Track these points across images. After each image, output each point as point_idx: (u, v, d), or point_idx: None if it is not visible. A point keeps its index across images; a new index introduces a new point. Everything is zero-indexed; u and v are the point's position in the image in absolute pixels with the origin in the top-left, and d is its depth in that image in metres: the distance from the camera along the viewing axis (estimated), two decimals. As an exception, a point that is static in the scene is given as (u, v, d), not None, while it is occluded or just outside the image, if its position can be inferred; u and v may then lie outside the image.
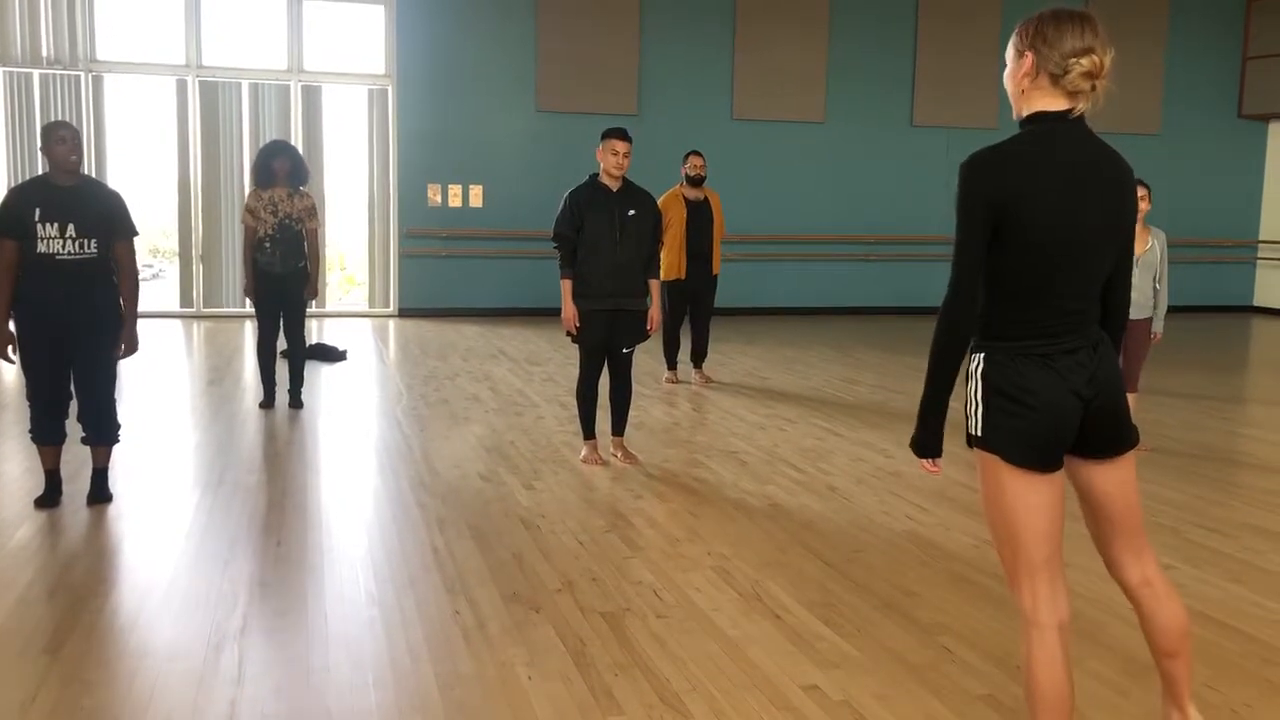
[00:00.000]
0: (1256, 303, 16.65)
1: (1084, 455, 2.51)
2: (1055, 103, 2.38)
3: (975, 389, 2.45)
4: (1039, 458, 2.39)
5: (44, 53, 12.63)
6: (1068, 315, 2.39)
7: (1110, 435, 2.49)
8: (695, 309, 8.86)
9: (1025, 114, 2.43)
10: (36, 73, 12.63)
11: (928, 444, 2.54)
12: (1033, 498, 2.40)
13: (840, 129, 14.78)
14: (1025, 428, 2.38)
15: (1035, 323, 2.39)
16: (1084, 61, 2.32)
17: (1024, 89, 2.42)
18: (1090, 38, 2.34)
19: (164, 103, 13.15)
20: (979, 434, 2.44)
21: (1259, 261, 16.65)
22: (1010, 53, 2.46)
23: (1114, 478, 2.53)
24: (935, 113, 15.07)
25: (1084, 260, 2.38)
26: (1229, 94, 16.16)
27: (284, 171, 7.40)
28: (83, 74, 12.74)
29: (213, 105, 13.18)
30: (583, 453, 6.11)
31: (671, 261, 8.47)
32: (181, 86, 13.10)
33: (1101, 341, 2.47)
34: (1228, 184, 16.32)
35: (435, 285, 13.70)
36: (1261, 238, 16.57)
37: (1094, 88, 2.36)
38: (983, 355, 2.44)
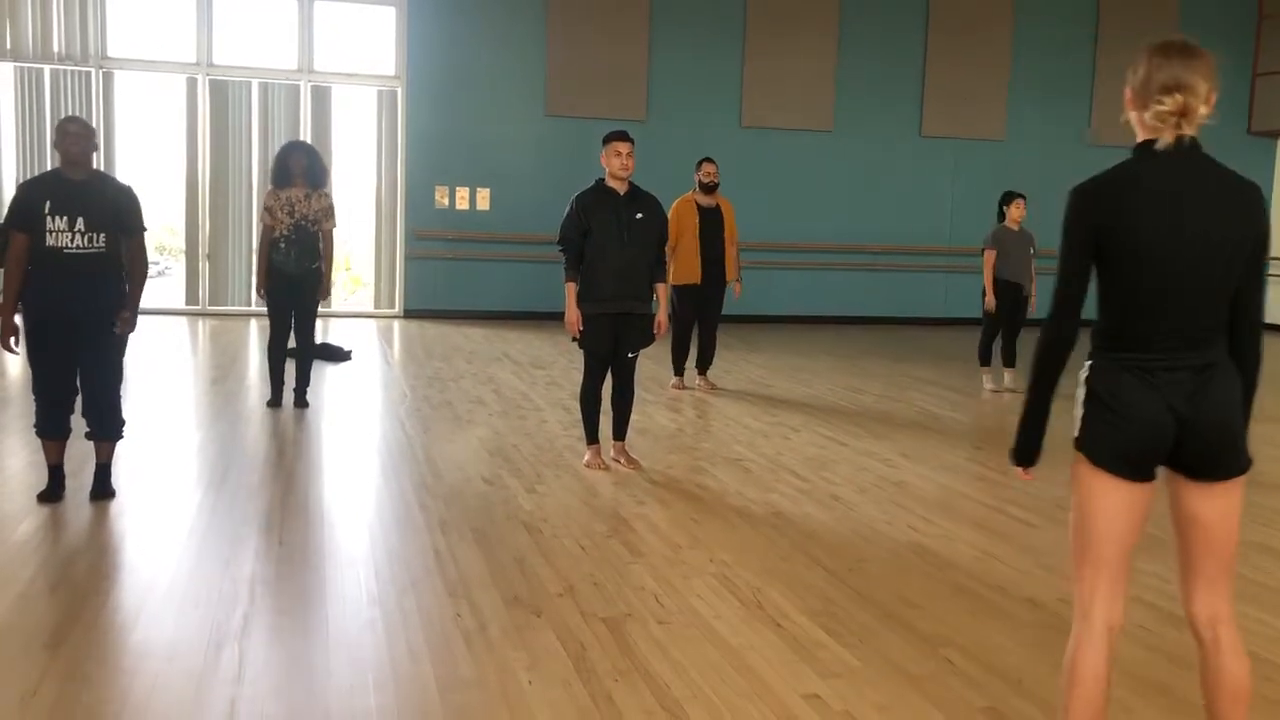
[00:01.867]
0: (1267, 320, 16.60)
1: (1184, 474, 2.53)
2: (1150, 132, 2.46)
3: (1080, 394, 2.54)
4: (1124, 465, 2.46)
5: (55, 49, 12.68)
6: (1171, 333, 2.44)
7: (1209, 458, 2.49)
8: (704, 315, 8.84)
9: (1138, 139, 2.50)
10: (48, 68, 12.67)
11: (1024, 452, 2.64)
12: (1111, 502, 2.49)
13: (848, 138, 14.79)
14: (1114, 435, 2.46)
15: (1137, 338, 2.46)
16: (1167, 101, 2.39)
17: (1126, 118, 2.53)
18: (1186, 73, 2.39)
19: (174, 100, 13.19)
20: (1075, 435, 2.54)
21: (1270, 278, 16.58)
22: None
23: (1211, 506, 2.53)
24: (943, 124, 15.07)
25: (1185, 281, 2.42)
26: (1238, 110, 16.13)
27: (300, 169, 7.42)
28: (93, 70, 12.78)
29: (222, 104, 13.21)
30: (586, 457, 6.11)
31: (687, 267, 8.46)
32: (191, 84, 13.13)
33: (1217, 364, 2.47)
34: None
35: (441, 287, 13.71)
36: (1273, 255, 16.52)
37: (1179, 126, 2.40)
38: (1090, 363, 2.53)
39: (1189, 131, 2.41)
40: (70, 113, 12.62)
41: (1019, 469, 2.68)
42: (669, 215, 7.17)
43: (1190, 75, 2.39)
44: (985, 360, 9.35)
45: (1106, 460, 2.47)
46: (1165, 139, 2.41)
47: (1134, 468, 2.46)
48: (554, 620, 3.81)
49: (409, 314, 13.71)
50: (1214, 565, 2.55)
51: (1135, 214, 2.41)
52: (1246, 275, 2.49)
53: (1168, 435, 2.44)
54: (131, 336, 5.15)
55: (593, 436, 6.12)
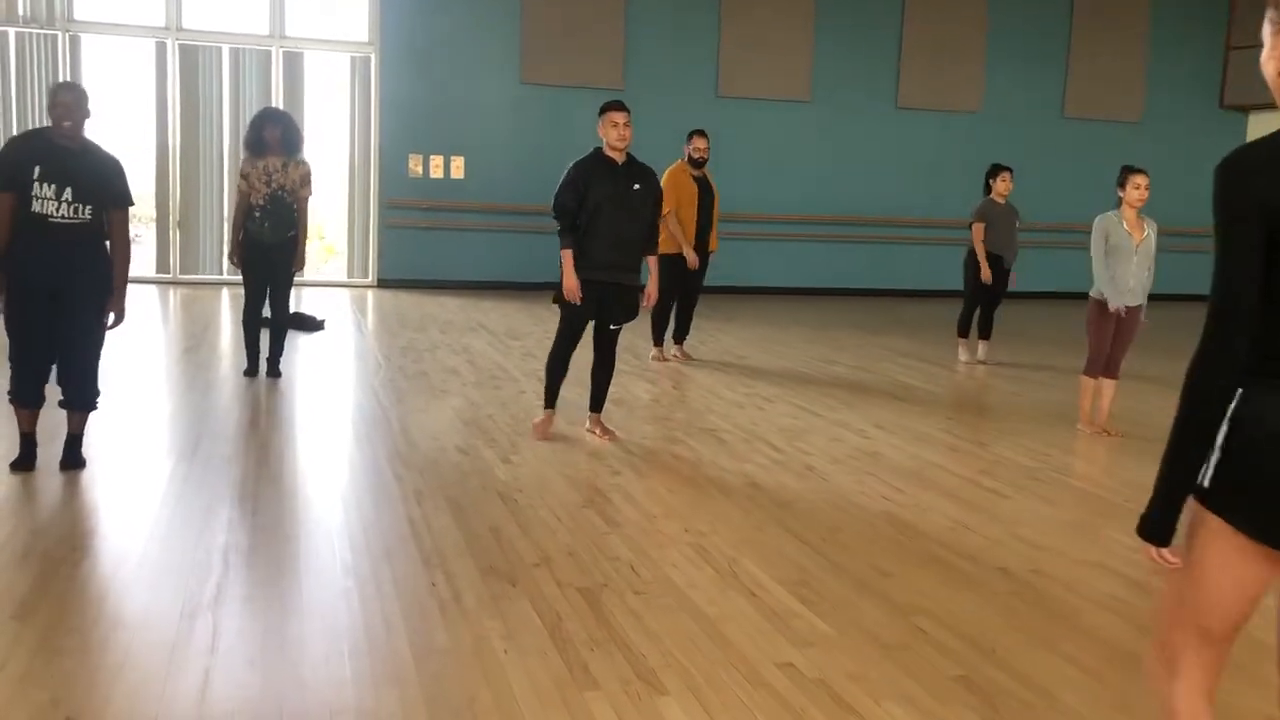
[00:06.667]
0: (1194, 290, 16.74)
1: None
2: None
3: (1221, 431, 1.90)
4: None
5: (20, 11, 12.42)
6: None
7: None
8: (689, 286, 8.82)
9: None
10: (12, 31, 12.43)
11: (1165, 526, 1.98)
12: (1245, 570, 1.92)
13: (825, 109, 14.75)
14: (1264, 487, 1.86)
15: None
16: None
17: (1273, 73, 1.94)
18: None
19: (143, 65, 12.96)
20: (1207, 485, 1.93)
21: (1199, 252, 16.73)
22: (1267, 30, 1.96)
23: None
24: (920, 96, 15.06)
25: None
26: (1211, 84, 16.20)
27: (275, 140, 7.32)
28: (60, 33, 12.54)
29: (192, 69, 13.01)
30: (538, 418, 6.07)
31: (679, 237, 8.45)
32: (161, 49, 12.92)
33: None
34: (1207, 174, 16.17)
35: (415, 256, 13.61)
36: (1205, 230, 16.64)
37: None
38: (1239, 392, 1.88)
39: None
40: (35, 77, 12.44)
41: (1158, 549, 2.00)
42: (664, 183, 7.14)
43: None
44: (964, 332, 9.45)
45: (1243, 522, 1.87)
46: None
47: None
48: (530, 590, 3.81)
49: (383, 283, 13.61)
50: None
51: None
52: None
53: None
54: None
55: (552, 401, 6.07)
